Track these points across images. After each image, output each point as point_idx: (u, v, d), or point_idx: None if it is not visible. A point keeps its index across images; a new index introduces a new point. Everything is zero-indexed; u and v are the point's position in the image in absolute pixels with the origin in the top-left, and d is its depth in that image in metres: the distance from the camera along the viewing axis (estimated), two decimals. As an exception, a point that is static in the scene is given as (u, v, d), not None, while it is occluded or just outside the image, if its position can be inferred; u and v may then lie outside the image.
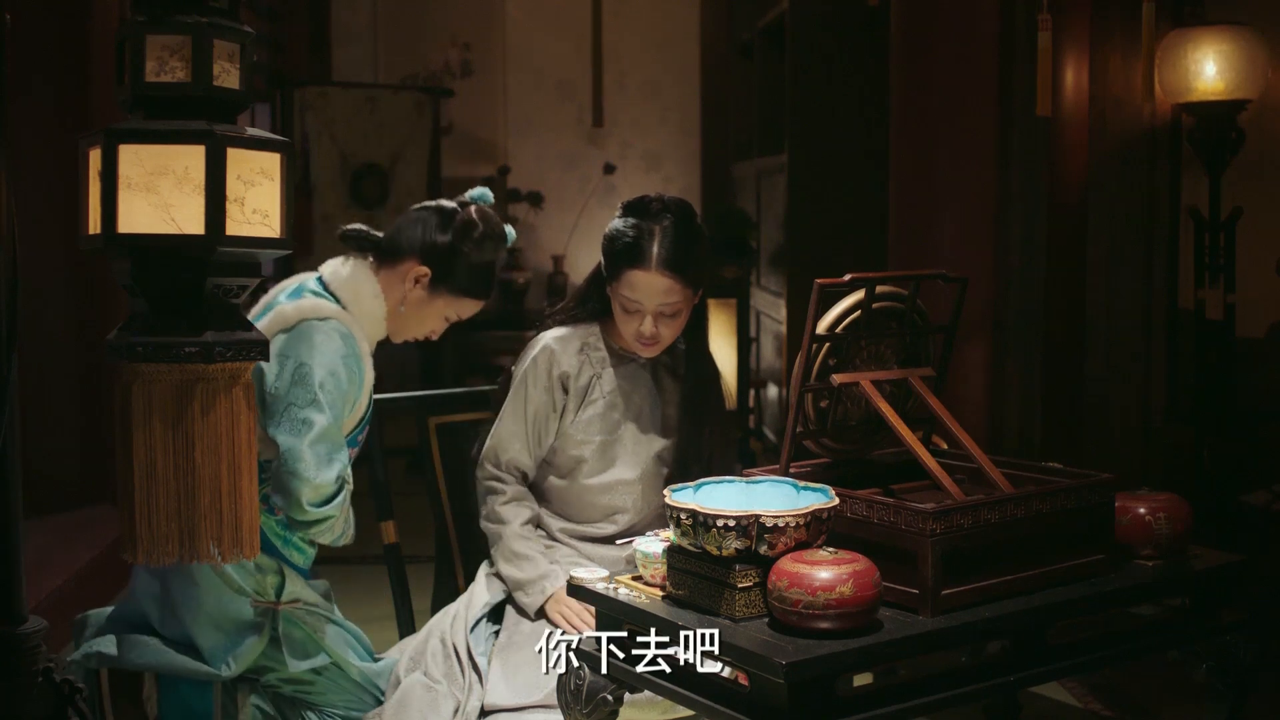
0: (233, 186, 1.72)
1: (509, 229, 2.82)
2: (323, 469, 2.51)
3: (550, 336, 2.69)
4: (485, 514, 2.67)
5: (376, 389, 2.74)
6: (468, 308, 2.80)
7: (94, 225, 1.73)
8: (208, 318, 1.76)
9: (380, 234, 2.76)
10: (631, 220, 2.58)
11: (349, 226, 2.76)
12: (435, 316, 2.78)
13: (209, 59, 1.74)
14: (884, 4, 4.75)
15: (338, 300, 2.67)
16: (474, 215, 2.74)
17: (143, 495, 1.75)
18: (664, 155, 8.59)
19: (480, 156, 8.31)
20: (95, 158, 1.72)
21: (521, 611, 2.57)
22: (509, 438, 2.66)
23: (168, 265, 1.74)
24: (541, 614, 2.55)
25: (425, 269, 2.71)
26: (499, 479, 2.67)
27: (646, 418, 2.69)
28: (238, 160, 1.73)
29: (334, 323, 2.61)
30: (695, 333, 2.71)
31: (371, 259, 2.74)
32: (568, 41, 8.45)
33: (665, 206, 2.59)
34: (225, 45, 1.76)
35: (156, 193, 1.70)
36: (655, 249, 2.54)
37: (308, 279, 2.72)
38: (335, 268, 2.73)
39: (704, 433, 2.69)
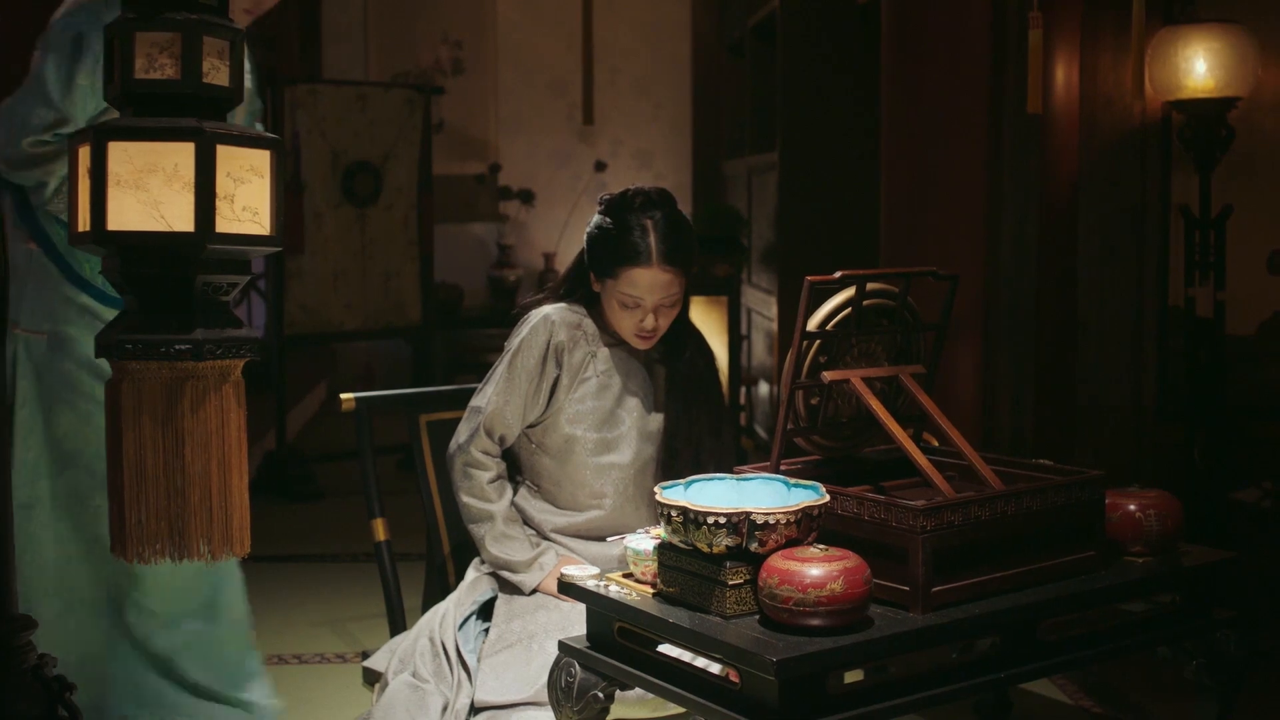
0: (222, 184, 1.71)
1: None
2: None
3: (550, 308, 2.66)
4: (467, 489, 2.62)
5: (369, 387, 2.73)
6: None
7: (84, 223, 1.72)
8: (197, 315, 1.76)
9: None
10: (620, 218, 2.57)
11: None
12: None
13: (198, 56, 1.73)
14: (874, 2, 4.75)
15: None
16: None
17: (132, 493, 1.75)
18: (655, 152, 8.60)
19: (471, 154, 8.30)
20: (85, 155, 1.71)
21: (515, 591, 2.58)
22: (503, 407, 2.60)
23: (157, 263, 1.73)
24: (535, 591, 2.56)
25: None
26: (489, 453, 2.63)
27: (644, 402, 2.68)
28: (227, 157, 1.72)
29: None
30: (679, 314, 2.68)
31: None
32: (559, 39, 8.45)
33: (650, 200, 2.59)
34: (215, 42, 1.75)
35: (146, 190, 1.69)
36: (654, 245, 2.53)
37: None
38: None
39: (692, 413, 2.68)
